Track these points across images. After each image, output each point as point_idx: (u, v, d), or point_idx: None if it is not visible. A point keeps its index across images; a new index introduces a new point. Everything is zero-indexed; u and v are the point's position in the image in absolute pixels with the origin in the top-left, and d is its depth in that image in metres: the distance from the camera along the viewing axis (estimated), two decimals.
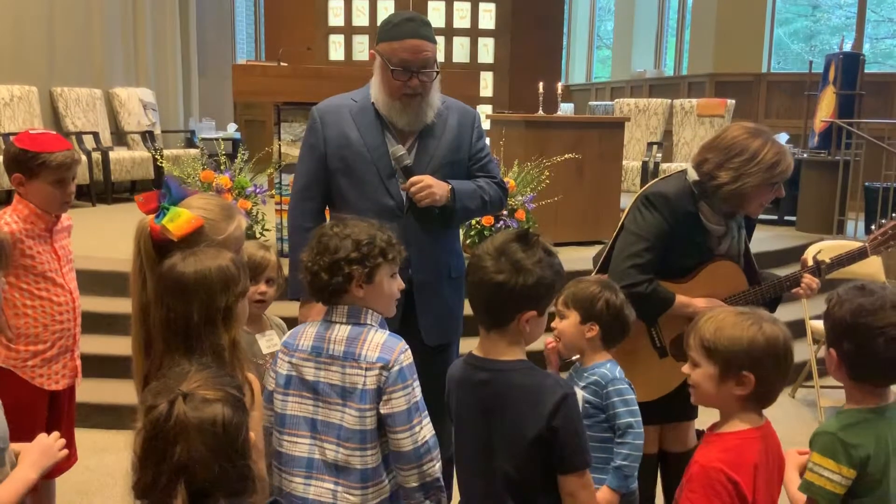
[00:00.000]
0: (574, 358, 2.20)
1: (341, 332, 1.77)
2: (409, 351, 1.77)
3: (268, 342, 2.32)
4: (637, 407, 2.04)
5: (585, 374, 2.09)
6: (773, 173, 2.26)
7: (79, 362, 2.57)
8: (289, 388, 1.81)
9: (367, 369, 1.73)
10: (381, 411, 1.73)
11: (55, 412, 2.49)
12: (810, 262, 2.49)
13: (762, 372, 1.56)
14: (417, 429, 1.73)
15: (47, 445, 1.56)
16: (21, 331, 2.37)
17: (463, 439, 1.76)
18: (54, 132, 2.54)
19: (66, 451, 1.60)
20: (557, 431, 1.62)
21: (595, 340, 2.08)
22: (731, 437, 1.59)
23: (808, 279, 2.45)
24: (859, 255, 2.46)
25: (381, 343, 1.74)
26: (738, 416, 1.61)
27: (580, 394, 2.05)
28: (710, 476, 1.53)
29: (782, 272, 6.04)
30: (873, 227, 2.53)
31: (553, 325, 2.12)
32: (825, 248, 4.34)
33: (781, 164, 2.27)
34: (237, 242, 1.89)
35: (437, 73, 2.34)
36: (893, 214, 2.48)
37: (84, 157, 7.01)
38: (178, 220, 1.76)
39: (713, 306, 2.29)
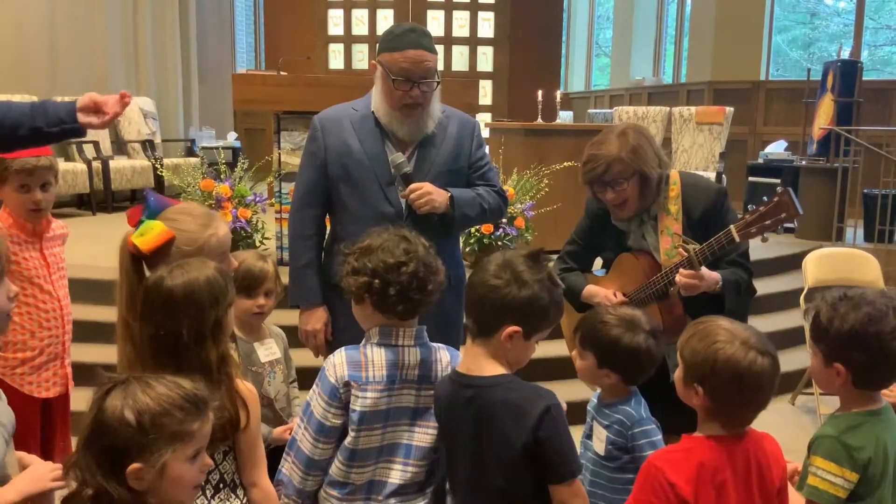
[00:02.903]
0: None
1: (412, 356, 1.82)
2: None
3: (266, 351, 2.32)
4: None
5: (607, 412, 1.98)
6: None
7: (69, 370, 2.54)
8: (362, 425, 1.78)
9: None
10: None
11: (49, 421, 2.48)
12: (684, 254, 2.28)
13: (712, 390, 1.57)
14: None
15: (40, 474, 1.52)
16: (8, 338, 2.34)
17: (455, 456, 1.77)
18: None
19: (61, 483, 1.52)
20: (543, 442, 1.63)
21: (615, 384, 1.98)
22: (685, 439, 1.62)
23: (682, 273, 2.22)
24: (727, 241, 2.20)
25: (449, 362, 1.86)
26: (701, 425, 1.63)
27: (604, 434, 1.96)
28: (650, 472, 1.58)
29: (782, 280, 6.00)
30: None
31: (573, 356, 2.10)
32: (824, 256, 4.32)
33: (583, 165, 2.35)
34: (218, 249, 1.84)
35: (438, 83, 2.35)
36: (765, 198, 2.27)
37: (84, 167, 7.02)
38: (149, 234, 1.75)
39: (609, 295, 2.36)
